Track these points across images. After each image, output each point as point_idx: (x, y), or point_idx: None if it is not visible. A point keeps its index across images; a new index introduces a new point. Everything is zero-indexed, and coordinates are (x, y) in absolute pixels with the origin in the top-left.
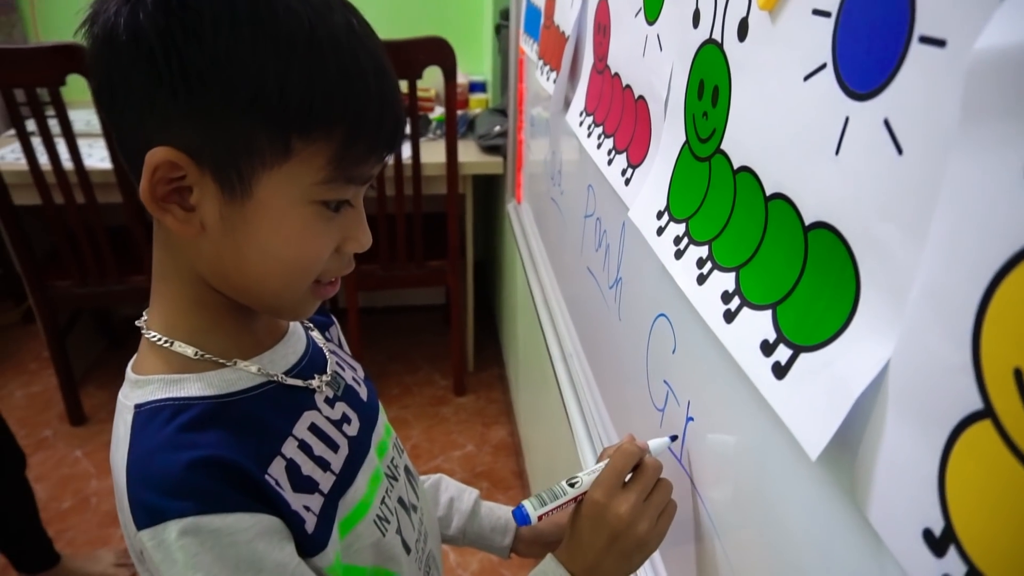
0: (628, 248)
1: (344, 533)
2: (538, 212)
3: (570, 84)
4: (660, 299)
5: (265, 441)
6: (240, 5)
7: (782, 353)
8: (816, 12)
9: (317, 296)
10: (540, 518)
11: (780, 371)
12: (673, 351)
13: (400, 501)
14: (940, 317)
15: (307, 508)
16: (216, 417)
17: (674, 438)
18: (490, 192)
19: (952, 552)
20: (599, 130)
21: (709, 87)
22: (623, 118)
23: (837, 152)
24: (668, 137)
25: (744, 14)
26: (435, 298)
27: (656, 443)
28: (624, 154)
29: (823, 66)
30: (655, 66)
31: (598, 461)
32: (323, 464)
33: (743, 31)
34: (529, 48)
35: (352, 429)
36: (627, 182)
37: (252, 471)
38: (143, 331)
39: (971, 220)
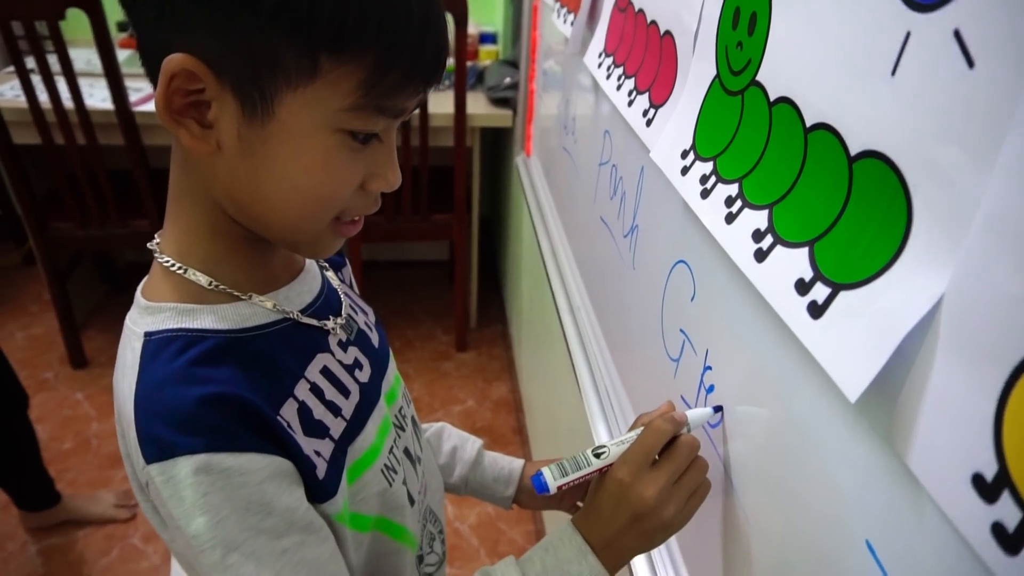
0: (646, 194)
1: (352, 480)
2: (548, 164)
3: (588, 27)
4: (680, 245)
5: (278, 382)
6: None
7: (819, 292)
8: None
9: (338, 234)
10: (560, 488)
11: (817, 311)
12: (692, 298)
13: (406, 451)
14: (1008, 246)
15: (318, 453)
16: (230, 352)
17: (718, 409)
18: (497, 146)
19: (1006, 497)
20: (619, 71)
21: (746, 14)
22: (646, 57)
23: (894, 72)
24: (696, 72)
25: None
26: (439, 253)
27: (696, 414)
28: (646, 94)
29: None
30: None
31: (631, 428)
32: (334, 409)
33: None
34: None
35: (363, 375)
36: (648, 123)
37: (265, 411)
38: (155, 254)
39: None
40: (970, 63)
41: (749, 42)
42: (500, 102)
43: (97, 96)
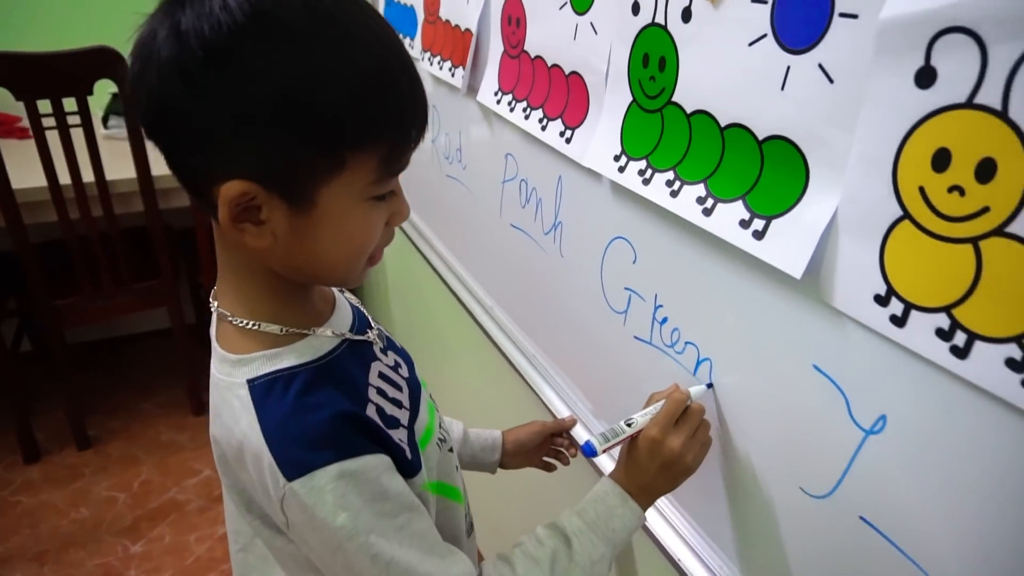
0: (567, 195)
1: None
2: (424, 195)
3: (472, 72)
4: (616, 225)
5: (357, 392)
6: (285, 49)
7: (758, 224)
8: (754, 0)
9: (370, 265)
10: (604, 451)
11: (759, 235)
12: (634, 262)
13: (440, 424)
14: (871, 169)
15: (400, 440)
16: (320, 379)
17: (709, 386)
18: None
19: (894, 300)
20: (523, 104)
21: (655, 58)
22: (552, 91)
23: (783, 88)
24: (612, 100)
25: (687, 3)
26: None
27: (695, 390)
28: (559, 120)
29: (764, 35)
30: (591, 46)
31: (646, 406)
32: (396, 403)
33: (687, 16)
34: (406, 44)
35: (404, 371)
36: (568, 141)
37: (367, 418)
38: (230, 319)
39: (884, 111)
40: (831, 79)
41: (661, 76)
42: None
43: None
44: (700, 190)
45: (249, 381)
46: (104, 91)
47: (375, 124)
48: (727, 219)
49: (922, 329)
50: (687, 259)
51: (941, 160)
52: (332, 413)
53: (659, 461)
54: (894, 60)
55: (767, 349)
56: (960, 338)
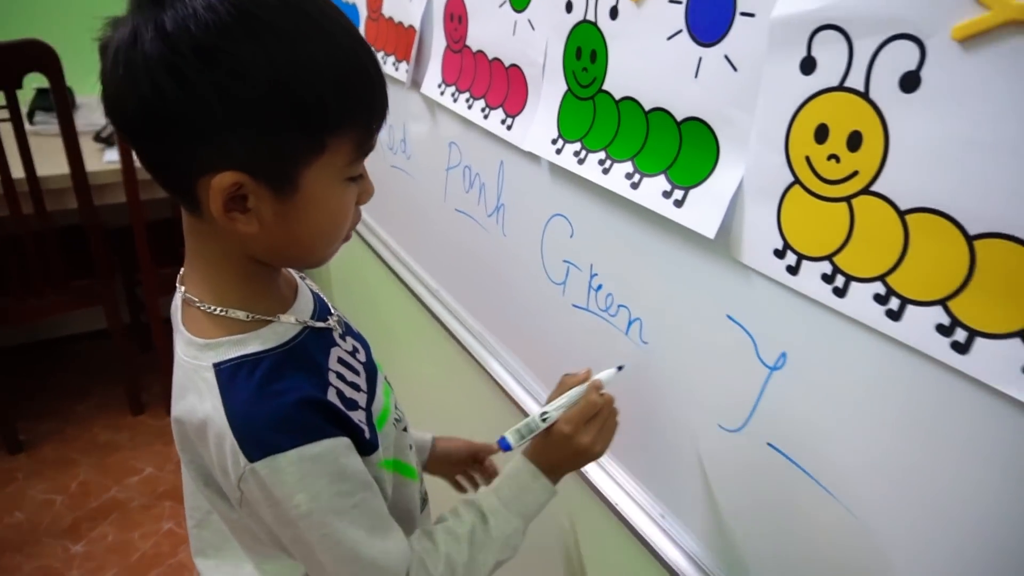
0: (508, 179)
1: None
2: None
3: (413, 65)
4: (554, 203)
5: (319, 377)
6: (270, 44)
7: (678, 193)
8: (671, 1)
9: (344, 241)
10: (518, 446)
11: (679, 204)
12: (571, 236)
13: (396, 405)
14: (768, 143)
15: (360, 421)
16: (285, 364)
17: (620, 368)
18: None
19: (789, 253)
20: (466, 95)
21: (587, 51)
22: (493, 82)
23: (696, 76)
24: (549, 90)
25: (614, 3)
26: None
27: (606, 374)
28: (500, 109)
29: (680, 31)
30: (529, 41)
31: (558, 387)
32: (355, 387)
33: (614, 13)
34: None
35: (361, 356)
36: (509, 128)
37: (328, 402)
38: (198, 304)
39: (776, 94)
40: (735, 68)
41: (592, 67)
42: None
43: None
44: (628, 167)
45: (215, 365)
46: (30, 86)
47: (351, 108)
48: (652, 191)
49: (811, 276)
50: (618, 229)
51: (821, 133)
52: (295, 399)
53: (570, 451)
54: (783, 51)
55: (688, 304)
56: (840, 280)
